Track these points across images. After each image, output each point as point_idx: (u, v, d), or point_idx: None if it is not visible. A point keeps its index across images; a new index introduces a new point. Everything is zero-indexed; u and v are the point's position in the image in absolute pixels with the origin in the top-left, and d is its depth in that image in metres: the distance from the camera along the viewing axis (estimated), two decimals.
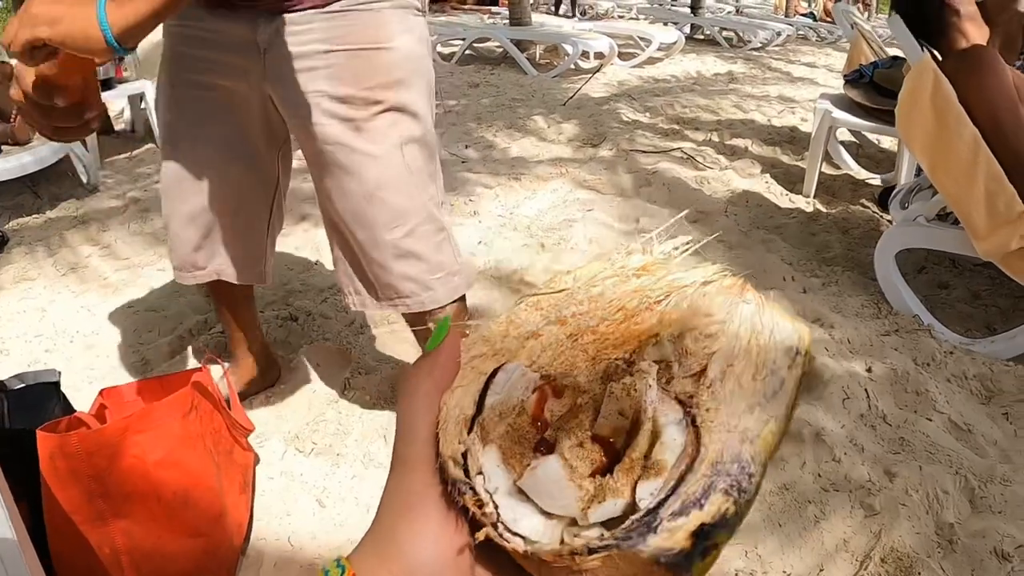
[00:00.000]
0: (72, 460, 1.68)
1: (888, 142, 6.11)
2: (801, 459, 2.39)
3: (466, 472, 0.48)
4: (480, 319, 0.55)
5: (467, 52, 11.00)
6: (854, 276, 3.69)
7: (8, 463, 1.60)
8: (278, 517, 2.17)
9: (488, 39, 11.48)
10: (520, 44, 10.59)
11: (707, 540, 0.42)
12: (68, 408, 2.18)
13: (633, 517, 0.43)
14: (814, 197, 4.90)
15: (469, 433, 0.49)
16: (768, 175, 5.39)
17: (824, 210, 4.71)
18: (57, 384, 2.18)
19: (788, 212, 4.67)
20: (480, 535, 0.46)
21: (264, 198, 2.22)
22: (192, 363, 2.89)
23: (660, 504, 0.43)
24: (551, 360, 0.52)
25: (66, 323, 3.23)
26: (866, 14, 21.44)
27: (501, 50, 11.14)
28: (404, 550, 0.47)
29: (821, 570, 2.05)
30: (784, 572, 2.04)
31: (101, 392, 2.11)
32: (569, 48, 9.88)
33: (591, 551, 0.43)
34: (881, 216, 4.58)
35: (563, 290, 0.57)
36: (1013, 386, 2.81)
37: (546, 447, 0.49)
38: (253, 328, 2.59)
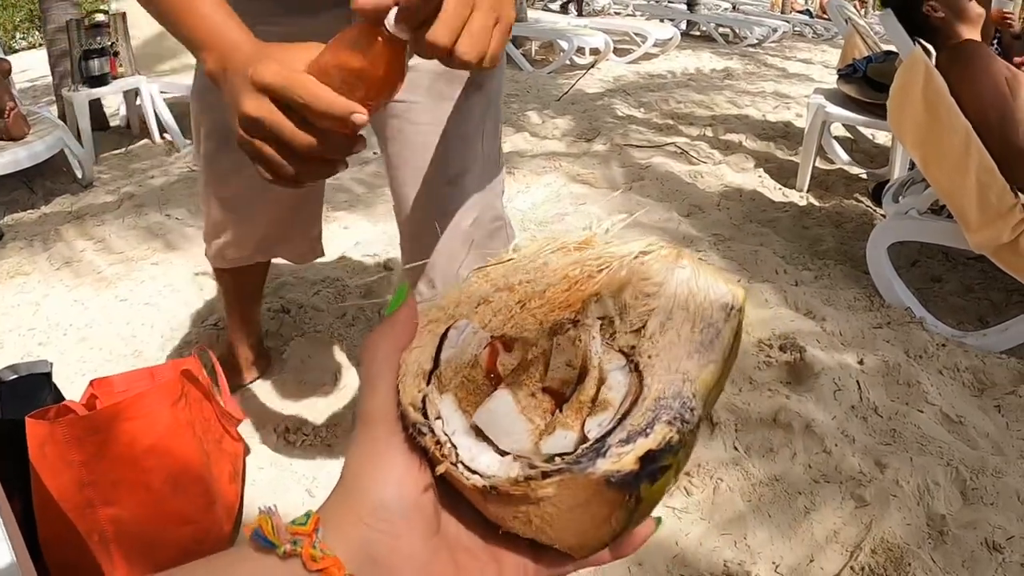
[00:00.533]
0: (61, 447, 1.68)
1: (882, 137, 6.11)
2: (791, 450, 2.39)
3: (425, 416, 0.50)
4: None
5: None
6: (846, 269, 3.70)
7: (1, 457, 1.61)
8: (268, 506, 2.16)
9: None
10: (516, 40, 10.56)
11: (654, 464, 0.45)
12: (60, 399, 2.18)
13: (583, 445, 0.47)
14: (807, 191, 4.91)
15: (427, 384, 0.52)
16: (762, 170, 5.40)
17: (817, 204, 4.72)
18: (49, 375, 2.18)
19: (781, 206, 4.67)
20: (440, 468, 0.49)
21: (322, 185, 2.24)
22: (185, 357, 2.89)
23: (608, 433, 0.46)
24: (502, 323, 0.55)
25: (60, 316, 3.24)
26: (863, 10, 21.40)
27: None
28: (369, 495, 0.48)
29: (811, 561, 2.05)
30: (773, 563, 2.04)
31: (92, 382, 2.11)
32: (564, 44, 9.86)
33: (545, 475, 0.46)
34: (875, 210, 4.59)
35: (510, 260, 0.59)
36: (1005, 379, 2.82)
37: None
38: (254, 321, 2.62)
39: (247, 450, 2.34)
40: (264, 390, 2.67)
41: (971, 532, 2.12)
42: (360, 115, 0.86)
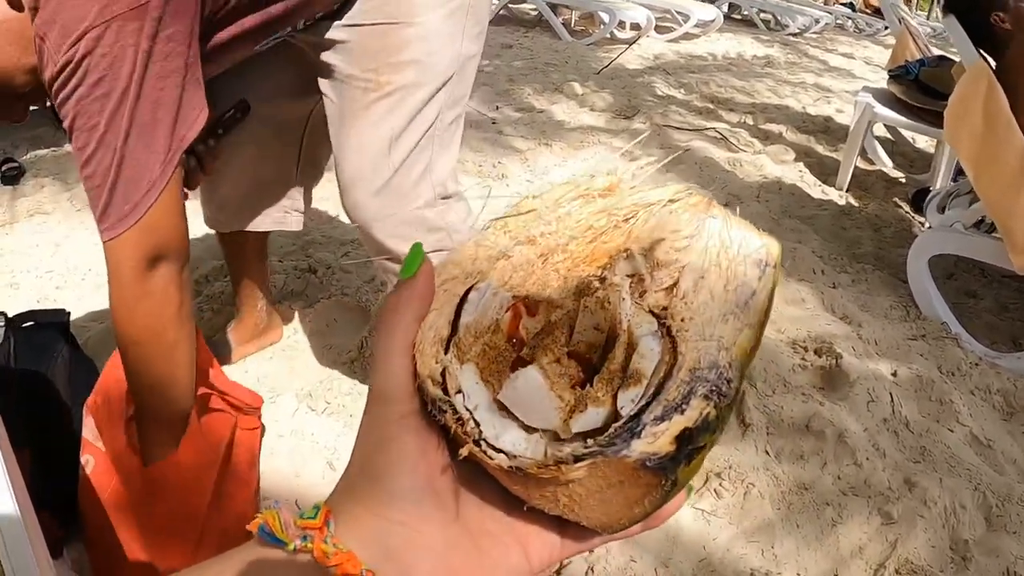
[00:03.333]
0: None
1: (923, 141, 6.04)
2: (822, 459, 2.35)
3: (444, 391, 0.47)
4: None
5: (501, 12, 10.88)
6: (884, 276, 3.64)
7: (11, 407, 1.56)
8: (287, 478, 2.13)
9: (523, 0, 11.35)
10: (556, 8, 10.47)
11: (691, 444, 0.43)
12: (76, 352, 2.13)
13: (616, 424, 0.44)
14: (847, 191, 4.84)
15: (445, 353, 0.48)
16: (802, 163, 5.32)
17: (856, 205, 4.65)
18: (66, 325, 2.13)
19: (820, 204, 4.61)
20: (463, 451, 0.46)
21: (291, 152, 2.23)
22: (204, 310, 2.84)
23: (642, 410, 0.44)
24: (523, 280, 0.52)
25: (79, 260, 3.19)
26: (909, 8, 21.22)
27: (536, 13, 11.02)
28: (381, 483, 0.46)
29: (835, 574, 2.03)
30: (798, 574, 2.01)
31: None
32: (606, 16, 9.76)
33: (576, 459, 0.43)
34: (913, 217, 4.53)
35: (530, 211, 0.56)
36: None
37: (523, 365, 0.49)
38: (261, 285, 2.54)
39: (263, 430, 2.27)
40: (287, 353, 2.62)
41: (993, 560, 2.10)
42: None
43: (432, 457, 0.47)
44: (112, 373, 1.76)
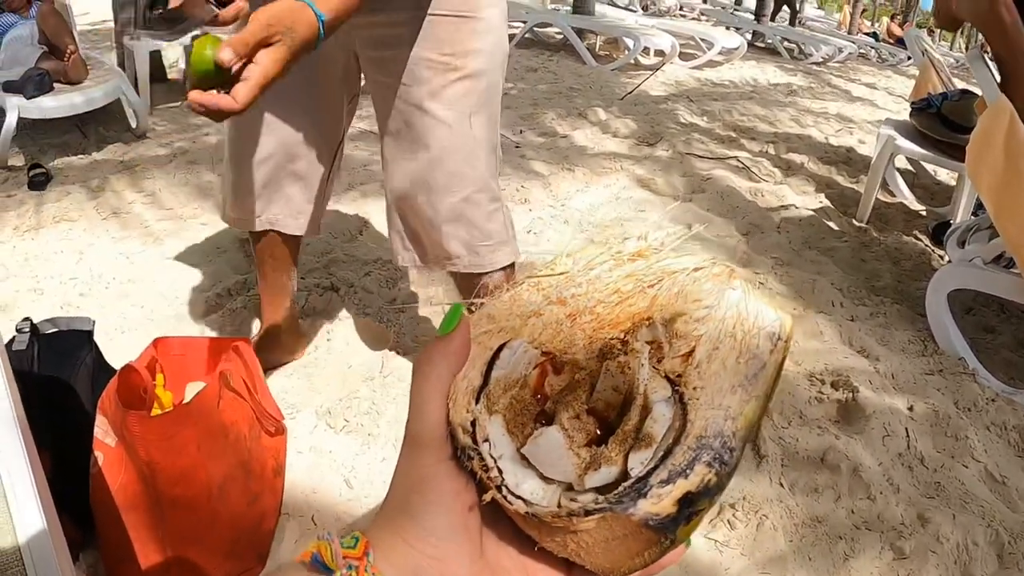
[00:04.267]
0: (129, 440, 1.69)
1: (944, 174, 6.02)
2: (836, 492, 2.35)
3: (473, 440, 0.51)
4: (486, 298, 0.59)
5: (526, 36, 10.93)
6: (903, 309, 3.62)
7: (34, 410, 1.58)
8: (304, 494, 2.14)
9: (549, 24, 11.41)
10: (581, 33, 10.53)
11: (691, 507, 0.46)
12: (100, 360, 2.15)
13: (625, 483, 0.47)
14: (867, 223, 4.83)
15: (476, 403, 0.52)
16: (823, 195, 5.32)
17: (877, 237, 4.63)
18: (90, 333, 2.15)
19: (840, 235, 4.59)
20: (487, 496, 0.50)
21: (328, 149, 2.25)
22: (227, 323, 2.86)
23: (650, 472, 0.47)
24: (551, 337, 0.56)
25: (103, 268, 3.22)
26: (933, 40, 21.22)
27: (561, 37, 11.10)
28: (417, 520, 0.49)
29: None
30: None
31: (155, 342, 2.07)
32: (631, 42, 9.82)
33: (587, 512, 0.47)
34: (933, 250, 4.51)
35: (563, 273, 0.60)
36: None
37: (546, 419, 0.53)
38: (288, 297, 2.55)
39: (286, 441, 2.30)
40: (308, 370, 2.63)
41: None
42: None
43: (464, 499, 0.51)
44: (126, 374, 1.78)
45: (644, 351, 0.53)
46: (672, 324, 0.54)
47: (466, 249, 2.03)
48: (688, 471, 0.47)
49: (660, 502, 0.46)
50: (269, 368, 2.58)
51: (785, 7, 18.84)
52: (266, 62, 1.42)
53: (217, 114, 1.44)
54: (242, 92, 1.42)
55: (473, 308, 0.59)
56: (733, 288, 0.56)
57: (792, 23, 16.61)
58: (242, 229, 2.29)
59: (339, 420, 2.39)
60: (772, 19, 16.32)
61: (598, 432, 0.52)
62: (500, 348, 0.55)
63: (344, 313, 3.01)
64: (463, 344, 0.54)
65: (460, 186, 1.96)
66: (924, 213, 5.19)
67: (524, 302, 0.58)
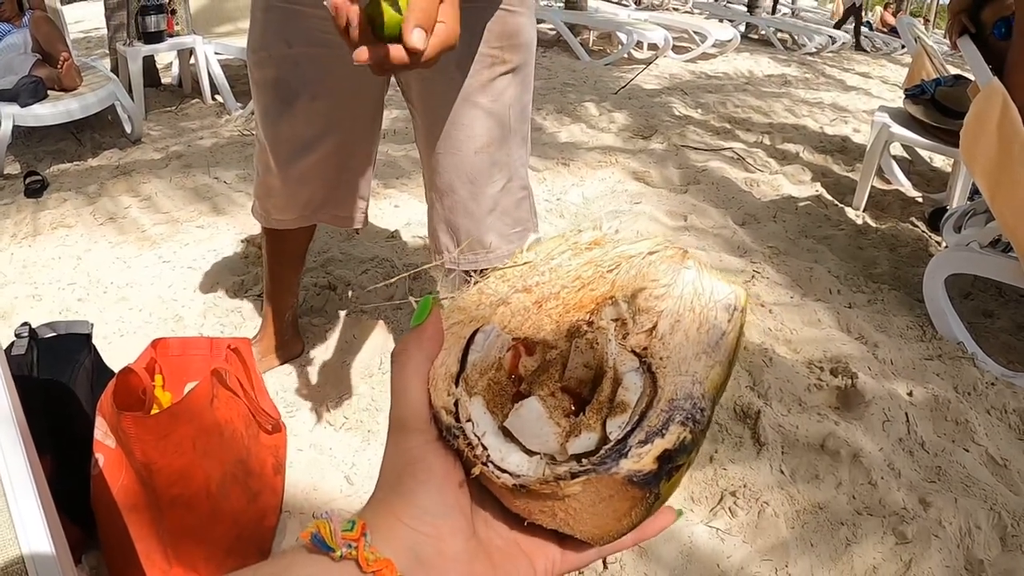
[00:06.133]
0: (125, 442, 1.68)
1: (940, 161, 6.01)
2: (837, 479, 2.35)
3: (457, 420, 0.53)
4: (454, 293, 0.63)
5: None
6: (900, 295, 3.63)
7: (34, 415, 1.58)
8: (304, 492, 2.15)
9: (542, 20, 11.39)
10: (574, 28, 10.53)
11: (670, 463, 0.50)
12: (98, 362, 2.16)
13: (606, 446, 0.50)
14: (864, 210, 4.83)
15: (456, 387, 0.55)
16: (819, 184, 5.32)
17: (873, 225, 4.63)
18: (88, 337, 2.15)
19: (837, 223, 4.59)
20: (475, 471, 0.52)
21: (372, 146, 2.26)
22: (225, 325, 2.86)
23: (628, 435, 0.50)
24: (521, 324, 0.59)
25: (101, 273, 3.22)
26: (927, 28, 21.19)
27: (554, 33, 11.09)
28: (411, 500, 0.51)
29: None
30: None
31: (154, 343, 2.06)
32: (623, 37, 9.81)
33: (573, 476, 0.50)
34: (930, 236, 4.50)
35: (525, 263, 0.64)
36: None
37: (522, 399, 0.55)
38: (293, 296, 2.57)
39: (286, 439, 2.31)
40: (307, 368, 2.64)
41: None
42: None
43: (453, 477, 0.52)
44: (125, 376, 1.78)
45: (610, 328, 0.57)
46: (634, 302, 0.58)
47: (501, 239, 2.04)
48: (664, 430, 0.50)
49: (641, 460, 0.49)
50: (268, 367, 2.59)
51: None
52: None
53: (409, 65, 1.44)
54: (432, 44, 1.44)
55: (443, 299, 0.61)
56: (687, 267, 0.60)
57: (773, 12, 16.58)
58: (287, 228, 2.26)
59: (338, 417, 2.40)
60: (773, 12, 16.32)
61: (573, 408, 0.55)
62: (474, 334, 0.57)
63: (342, 311, 3.01)
64: (436, 332, 0.57)
65: (500, 176, 1.99)
66: (920, 199, 5.17)
67: (491, 292, 0.61)
